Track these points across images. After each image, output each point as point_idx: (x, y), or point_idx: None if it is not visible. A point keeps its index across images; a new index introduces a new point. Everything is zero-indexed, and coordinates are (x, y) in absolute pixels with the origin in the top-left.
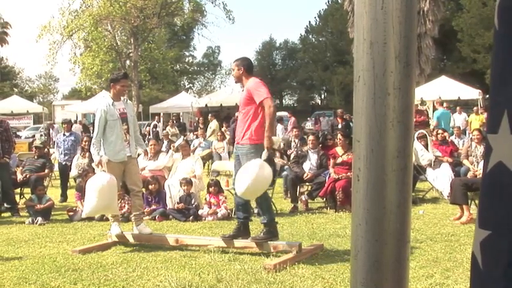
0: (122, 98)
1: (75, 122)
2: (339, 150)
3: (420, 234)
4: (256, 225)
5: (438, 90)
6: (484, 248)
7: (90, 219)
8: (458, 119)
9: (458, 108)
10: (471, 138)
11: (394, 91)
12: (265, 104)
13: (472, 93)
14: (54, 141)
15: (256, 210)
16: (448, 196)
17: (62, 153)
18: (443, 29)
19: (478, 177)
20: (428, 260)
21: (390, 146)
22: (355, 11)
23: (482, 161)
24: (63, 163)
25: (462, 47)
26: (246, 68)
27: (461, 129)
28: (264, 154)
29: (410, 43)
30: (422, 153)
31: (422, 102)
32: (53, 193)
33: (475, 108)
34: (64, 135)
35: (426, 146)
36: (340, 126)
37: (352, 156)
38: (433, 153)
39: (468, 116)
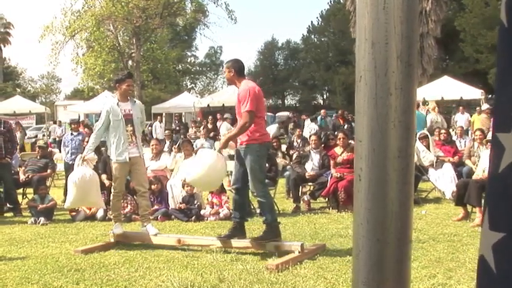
0: (129, 99)
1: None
2: (337, 150)
3: (422, 234)
4: (259, 225)
5: (440, 90)
6: (497, 251)
7: (92, 219)
8: (460, 119)
9: (461, 108)
10: (473, 138)
11: (395, 91)
12: (243, 117)
13: (474, 93)
14: (61, 140)
15: (258, 210)
16: (450, 197)
17: (68, 152)
18: (446, 29)
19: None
20: (431, 260)
21: (392, 146)
22: (357, 11)
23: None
24: (70, 162)
25: (465, 47)
26: (237, 69)
27: (464, 129)
28: (217, 151)
29: (412, 43)
30: (424, 154)
31: (425, 102)
32: (56, 193)
33: (477, 108)
34: (72, 134)
35: (428, 147)
36: (341, 126)
37: (352, 154)
38: (434, 154)
39: (471, 116)
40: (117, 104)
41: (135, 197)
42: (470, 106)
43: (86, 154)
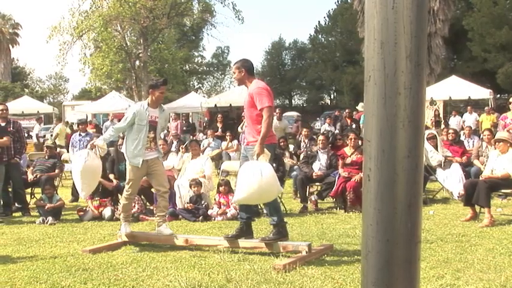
0: (158, 106)
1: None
2: (347, 150)
3: (430, 234)
4: (266, 226)
5: (448, 89)
6: None
7: (100, 219)
8: (469, 119)
9: (469, 108)
10: (482, 138)
11: (404, 91)
12: (264, 113)
13: (482, 93)
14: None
15: (265, 211)
16: (458, 196)
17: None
18: (454, 28)
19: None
20: (439, 260)
21: (401, 146)
22: (365, 11)
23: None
24: None
25: (473, 46)
26: (247, 69)
27: (472, 129)
28: (258, 159)
29: (421, 43)
30: (432, 154)
31: (432, 102)
32: (64, 193)
33: (486, 108)
34: (80, 135)
35: (436, 147)
36: (349, 126)
37: (362, 155)
38: (443, 154)
39: (479, 115)
40: (147, 109)
41: (142, 196)
42: (478, 106)
43: (98, 141)
